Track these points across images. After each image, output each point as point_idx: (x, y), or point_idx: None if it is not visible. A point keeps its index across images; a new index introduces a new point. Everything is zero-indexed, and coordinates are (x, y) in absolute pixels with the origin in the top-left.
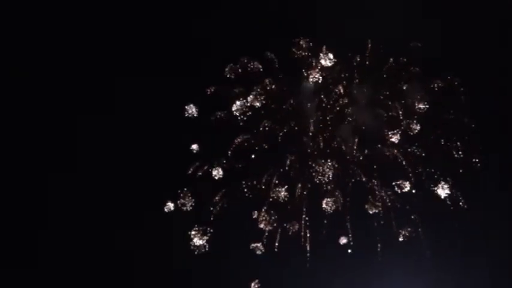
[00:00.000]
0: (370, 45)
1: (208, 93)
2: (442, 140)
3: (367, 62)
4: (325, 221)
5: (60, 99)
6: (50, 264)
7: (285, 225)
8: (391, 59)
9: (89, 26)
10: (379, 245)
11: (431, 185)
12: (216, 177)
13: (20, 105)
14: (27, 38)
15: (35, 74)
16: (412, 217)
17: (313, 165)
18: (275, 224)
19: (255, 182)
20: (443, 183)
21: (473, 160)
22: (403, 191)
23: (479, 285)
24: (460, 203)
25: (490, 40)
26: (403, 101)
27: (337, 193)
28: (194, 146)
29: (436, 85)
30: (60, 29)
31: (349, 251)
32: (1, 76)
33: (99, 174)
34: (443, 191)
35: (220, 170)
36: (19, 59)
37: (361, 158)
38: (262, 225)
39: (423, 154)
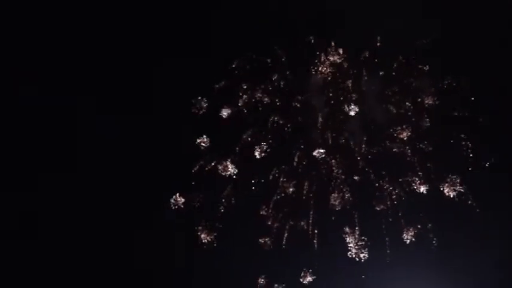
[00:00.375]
0: (378, 43)
1: (217, 87)
2: (452, 139)
3: (375, 60)
4: (333, 218)
5: (62, 99)
6: (54, 262)
7: (291, 222)
8: (401, 57)
9: (90, 26)
10: (387, 242)
11: (440, 183)
12: (223, 173)
13: (20, 105)
14: (27, 38)
15: (35, 74)
16: (421, 215)
17: (321, 161)
18: (282, 220)
19: (262, 180)
20: (451, 180)
21: (482, 158)
22: (411, 187)
23: (487, 283)
24: (469, 201)
25: (496, 39)
26: (412, 98)
27: (344, 189)
28: (202, 142)
29: (445, 82)
30: (61, 29)
31: (354, 251)
32: (1, 76)
33: (107, 170)
34: (451, 189)
35: (229, 165)
36: (19, 59)
37: (369, 157)
38: (269, 222)
39: (431, 149)
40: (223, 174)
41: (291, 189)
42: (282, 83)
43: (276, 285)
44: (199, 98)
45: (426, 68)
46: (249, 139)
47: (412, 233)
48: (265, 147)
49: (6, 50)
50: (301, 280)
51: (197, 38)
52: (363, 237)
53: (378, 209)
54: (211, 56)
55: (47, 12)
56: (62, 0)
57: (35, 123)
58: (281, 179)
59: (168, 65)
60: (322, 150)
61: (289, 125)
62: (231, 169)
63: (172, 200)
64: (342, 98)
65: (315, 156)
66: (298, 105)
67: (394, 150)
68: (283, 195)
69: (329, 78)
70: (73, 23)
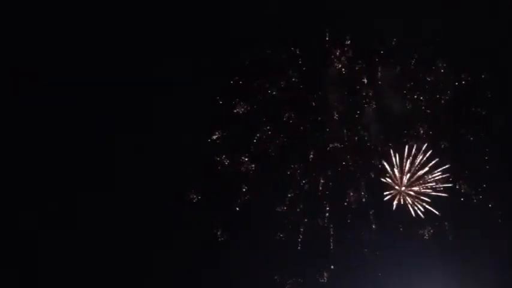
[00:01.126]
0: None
1: (232, 83)
2: (469, 136)
3: (391, 61)
4: (349, 215)
5: (62, 99)
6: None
7: (306, 220)
8: (416, 55)
9: (90, 25)
10: (403, 239)
11: (457, 180)
12: (239, 170)
13: (20, 105)
14: (27, 38)
15: (35, 74)
16: (437, 212)
17: (337, 156)
18: (298, 217)
19: (278, 176)
20: (468, 177)
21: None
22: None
23: (505, 282)
24: (486, 199)
25: None
26: (428, 94)
27: (360, 186)
28: (217, 138)
29: (463, 77)
30: (61, 29)
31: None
32: (1, 76)
33: (112, 169)
34: (468, 186)
35: (244, 161)
36: (19, 59)
37: (385, 153)
38: (285, 218)
39: (448, 146)
40: (239, 170)
41: (306, 186)
42: (297, 79)
43: (292, 280)
44: (214, 94)
45: (442, 65)
46: (264, 136)
47: (429, 231)
48: (280, 144)
49: (6, 50)
50: (318, 277)
51: (198, 38)
52: (379, 234)
53: (393, 204)
54: (219, 54)
55: (47, 12)
56: (62, 0)
57: (35, 123)
58: (297, 176)
59: (170, 64)
60: (338, 145)
61: (305, 121)
62: (247, 165)
63: (187, 197)
64: (357, 94)
65: (330, 151)
66: (314, 102)
67: (410, 146)
68: (298, 192)
69: (343, 72)
70: (73, 23)
